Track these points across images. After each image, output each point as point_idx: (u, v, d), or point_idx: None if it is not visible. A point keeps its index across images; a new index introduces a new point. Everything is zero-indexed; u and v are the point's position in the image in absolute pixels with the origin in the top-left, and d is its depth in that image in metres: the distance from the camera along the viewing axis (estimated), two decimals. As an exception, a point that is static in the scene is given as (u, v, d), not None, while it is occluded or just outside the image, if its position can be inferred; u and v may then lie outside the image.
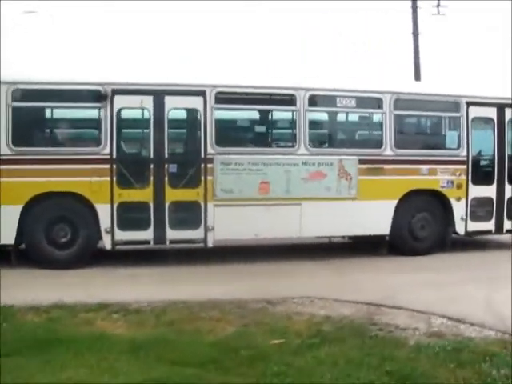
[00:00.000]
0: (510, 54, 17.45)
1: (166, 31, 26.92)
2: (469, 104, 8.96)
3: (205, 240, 7.98)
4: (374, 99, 8.67)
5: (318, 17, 29.37)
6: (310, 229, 8.29)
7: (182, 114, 8.36)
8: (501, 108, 9.14)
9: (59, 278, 7.26)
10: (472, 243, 9.56)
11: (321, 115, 8.93)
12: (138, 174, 7.88)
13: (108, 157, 7.70)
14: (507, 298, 6.02)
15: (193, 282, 7.09)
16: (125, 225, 7.79)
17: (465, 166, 8.95)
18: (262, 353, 4.60)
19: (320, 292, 6.50)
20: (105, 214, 7.69)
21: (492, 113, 9.13)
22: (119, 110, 7.81)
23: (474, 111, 9.01)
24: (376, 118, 8.99)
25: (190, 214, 8.05)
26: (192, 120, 8.25)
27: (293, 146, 8.32)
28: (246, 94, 8.29)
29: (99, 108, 7.74)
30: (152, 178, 7.81)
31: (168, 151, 7.89)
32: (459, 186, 8.91)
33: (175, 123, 8.13)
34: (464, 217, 8.94)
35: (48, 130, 8.31)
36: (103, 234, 7.73)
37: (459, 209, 8.92)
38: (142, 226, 7.83)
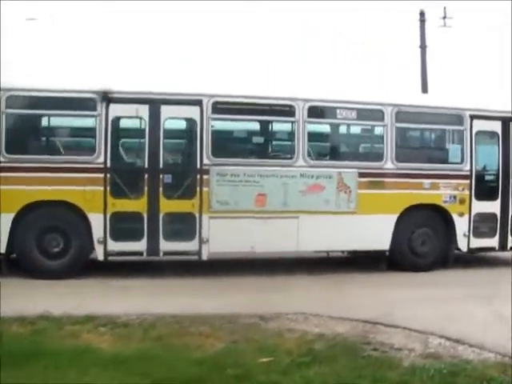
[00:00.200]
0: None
1: (166, 31, 27.02)
2: (472, 117, 8.83)
3: (199, 252, 7.86)
4: (375, 111, 8.56)
5: (317, 17, 29.39)
6: (307, 243, 8.16)
7: (178, 124, 8.28)
8: (505, 121, 9.00)
9: (49, 288, 7.16)
10: (475, 260, 9.38)
11: (320, 127, 8.84)
12: (132, 183, 7.79)
13: (102, 166, 7.63)
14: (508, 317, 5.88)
15: (185, 295, 6.96)
16: (118, 235, 7.70)
17: (468, 181, 8.80)
18: (249, 371, 4.46)
19: (315, 308, 6.35)
20: (98, 223, 7.61)
21: (496, 126, 8.99)
22: (114, 119, 7.74)
23: (478, 124, 8.87)
24: (377, 130, 8.88)
25: (184, 226, 7.94)
26: (188, 130, 8.18)
27: (291, 158, 8.22)
28: (244, 104, 8.21)
29: (94, 116, 7.66)
30: (146, 188, 7.73)
31: (163, 161, 7.81)
32: (462, 201, 8.76)
33: (171, 133, 8.07)
34: (467, 233, 8.78)
35: (41, 138, 8.25)
36: (96, 245, 7.65)
37: (462, 224, 8.76)
38: (136, 236, 7.74)
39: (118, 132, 8.01)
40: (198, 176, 7.81)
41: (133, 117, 7.83)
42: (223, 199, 7.87)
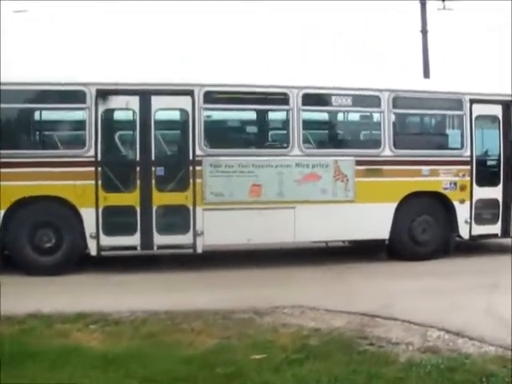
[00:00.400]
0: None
1: (166, 31, 26.92)
2: (472, 101, 8.62)
3: (194, 245, 7.73)
4: (371, 97, 8.35)
5: (318, 17, 29.24)
6: (304, 233, 8.01)
7: (170, 115, 8.13)
8: (506, 105, 8.78)
9: (42, 285, 7.05)
10: (478, 247, 9.21)
11: (315, 114, 8.67)
12: (124, 177, 7.67)
13: (93, 159, 7.49)
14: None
15: (180, 290, 6.85)
16: (110, 230, 7.59)
17: (468, 167, 8.61)
18: (240, 369, 4.34)
19: (313, 301, 6.22)
20: (90, 218, 7.49)
21: (497, 110, 8.77)
22: (104, 111, 7.58)
23: (478, 109, 8.67)
24: (374, 116, 8.71)
25: (178, 219, 7.82)
26: (180, 121, 8.02)
27: (286, 147, 8.05)
28: (236, 93, 8.03)
29: (83, 109, 7.51)
30: (138, 182, 7.60)
31: (155, 153, 7.68)
32: (463, 188, 8.57)
33: (162, 124, 7.92)
34: (468, 220, 8.60)
35: (30, 132, 8.13)
36: (88, 240, 7.53)
37: (463, 211, 8.58)
38: (129, 231, 7.62)
39: (108, 125, 7.86)
40: (191, 167, 7.66)
41: (123, 109, 7.70)
42: (217, 191, 7.73)
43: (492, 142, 8.96)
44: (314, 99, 8.29)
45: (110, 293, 6.81)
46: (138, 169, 7.61)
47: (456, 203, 8.57)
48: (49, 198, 7.46)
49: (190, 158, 7.69)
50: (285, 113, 8.13)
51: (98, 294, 6.71)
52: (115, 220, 7.64)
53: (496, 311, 5.87)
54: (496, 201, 8.80)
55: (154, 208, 7.62)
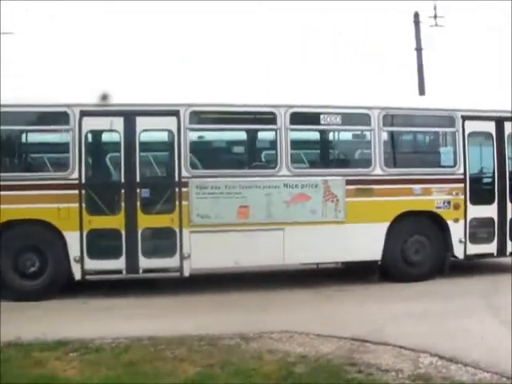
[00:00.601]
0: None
1: (166, 31, 27.02)
2: (464, 118, 8.55)
3: (181, 269, 7.64)
4: (361, 115, 8.30)
5: (318, 17, 29.40)
6: (294, 255, 7.90)
7: (155, 136, 8.11)
8: (499, 122, 8.70)
9: (25, 310, 6.93)
10: (474, 267, 9.07)
11: (304, 134, 8.60)
12: (109, 199, 7.61)
13: (77, 182, 7.44)
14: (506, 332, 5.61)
15: (165, 315, 6.77)
16: (95, 253, 7.51)
17: (462, 185, 8.50)
18: (218, 400, 4.26)
19: (302, 325, 6.11)
20: (74, 242, 7.43)
21: (490, 127, 8.70)
22: (88, 133, 7.56)
23: (471, 126, 8.59)
24: (364, 135, 8.65)
25: (164, 242, 7.75)
26: (165, 142, 7.98)
27: (274, 167, 7.97)
28: (223, 112, 8.00)
29: (67, 131, 7.48)
30: (123, 204, 7.54)
31: (140, 175, 7.61)
32: (456, 207, 8.47)
33: (147, 145, 7.90)
34: (463, 239, 8.48)
35: (14, 154, 8.05)
36: (72, 264, 7.45)
37: (457, 231, 8.46)
38: (114, 254, 7.55)
39: (92, 146, 7.85)
40: (177, 189, 7.59)
41: (107, 130, 7.64)
42: (204, 212, 7.65)
43: (486, 160, 8.87)
44: (303, 118, 8.21)
45: (93, 318, 6.73)
46: (122, 191, 7.56)
47: (450, 222, 8.45)
48: (32, 221, 7.40)
49: (176, 179, 7.62)
50: (272, 132, 8.07)
51: (81, 320, 6.63)
52: (100, 243, 7.58)
53: (492, 335, 5.72)
54: (491, 219, 8.68)
55: (140, 231, 7.54)
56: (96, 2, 20.31)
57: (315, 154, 8.86)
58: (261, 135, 8.68)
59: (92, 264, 7.49)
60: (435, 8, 15.66)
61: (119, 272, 7.58)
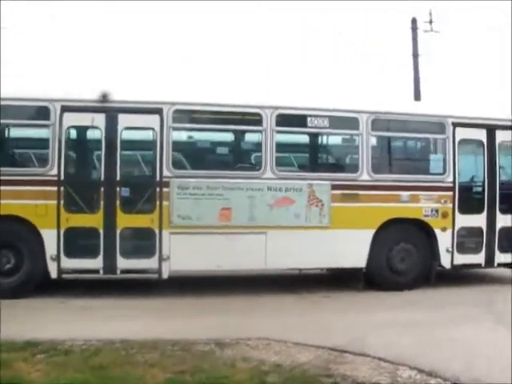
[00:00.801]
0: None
1: (166, 31, 26.95)
2: (455, 125, 8.43)
3: (159, 271, 7.52)
4: (349, 119, 8.17)
5: (318, 17, 29.36)
6: (276, 260, 7.78)
7: (137, 134, 7.96)
8: (491, 129, 8.58)
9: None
10: (461, 277, 8.94)
11: (289, 136, 8.43)
12: (88, 197, 7.50)
13: (55, 178, 7.32)
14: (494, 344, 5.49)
15: (141, 317, 6.63)
16: (72, 252, 7.39)
17: (451, 193, 8.38)
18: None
19: (280, 332, 5.98)
20: (51, 240, 7.31)
21: (481, 135, 8.58)
22: (68, 129, 7.45)
23: (461, 133, 8.47)
24: (351, 139, 8.51)
25: (143, 242, 7.65)
26: (147, 140, 7.81)
27: (258, 170, 7.86)
28: (207, 112, 7.87)
29: (47, 126, 7.37)
30: (103, 202, 7.43)
31: (120, 173, 7.48)
32: (445, 215, 8.34)
33: (129, 143, 7.75)
34: (450, 249, 8.36)
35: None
36: (48, 262, 7.34)
37: (445, 240, 8.34)
38: (91, 253, 7.43)
39: (72, 143, 7.72)
40: (158, 189, 7.48)
41: (88, 126, 7.55)
42: (185, 214, 7.53)
43: (476, 168, 8.74)
44: (289, 120, 8.08)
45: (69, 318, 6.60)
46: (102, 189, 7.45)
47: (437, 231, 8.34)
48: (8, 217, 7.25)
49: (157, 178, 7.51)
50: (258, 134, 7.95)
51: (56, 320, 6.51)
52: (77, 242, 7.46)
53: (475, 348, 5.57)
54: (480, 229, 8.57)
55: (118, 230, 7.43)
56: (96, 2, 20.19)
57: (301, 158, 8.74)
58: (246, 136, 8.55)
59: (69, 263, 7.38)
60: (431, 14, 15.54)
61: (96, 272, 7.46)
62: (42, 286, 7.55)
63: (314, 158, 8.85)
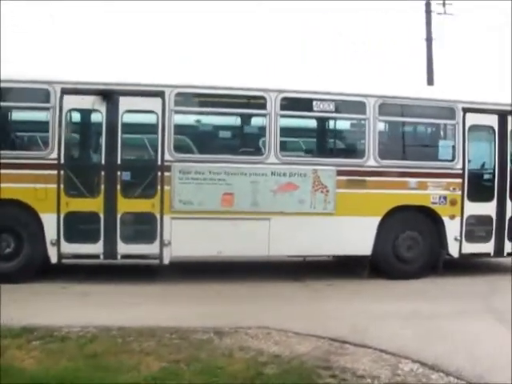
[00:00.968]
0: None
1: (168, 31, 26.88)
2: (466, 110, 8.21)
3: (160, 256, 7.44)
4: (355, 103, 7.99)
5: (318, 17, 29.11)
6: (279, 247, 7.66)
7: (138, 117, 7.80)
8: (502, 115, 8.34)
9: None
10: (470, 266, 8.76)
11: (294, 120, 8.31)
12: (88, 181, 7.41)
13: (55, 162, 7.24)
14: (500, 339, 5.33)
15: (141, 304, 6.55)
16: (72, 237, 7.32)
17: (460, 180, 8.19)
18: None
19: (282, 321, 5.88)
20: (51, 224, 7.24)
21: (492, 120, 8.35)
22: (68, 112, 7.36)
23: (472, 118, 8.25)
24: (358, 124, 8.30)
25: (144, 227, 7.57)
26: (148, 123, 7.68)
27: (261, 154, 7.71)
28: (210, 95, 7.74)
29: (47, 109, 7.27)
30: (103, 187, 7.33)
31: (121, 157, 7.38)
32: (453, 203, 8.15)
33: (130, 127, 7.58)
34: (458, 237, 8.18)
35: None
36: (48, 246, 7.27)
37: (453, 228, 8.16)
38: (92, 238, 7.35)
39: (72, 126, 7.62)
40: (159, 173, 7.38)
41: (89, 109, 7.41)
42: (186, 198, 7.42)
43: (486, 155, 8.52)
44: (294, 104, 7.91)
45: (69, 304, 6.55)
46: (102, 173, 7.35)
47: (445, 219, 8.15)
48: (8, 201, 7.19)
49: (159, 163, 7.41)
50: (261, 117, 7.80)
51: (56, 305, 6.45)
52: (77, 226, 7.38)
53: (481, 342, 5.44)
54: (489, 217, 8.36)
55: (119, 215, 7.35)
56: (96, 2, 20.03)
57: (306, 142, 8.57)
58: (249, 120, 8.36)
59: (69, 248, 7.31)
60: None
61: (97, 257, 7.38)
62: (43, 271, 7.49)
63: (320, 142, 8.66)
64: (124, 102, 7.33)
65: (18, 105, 7.47)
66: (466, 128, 8.24)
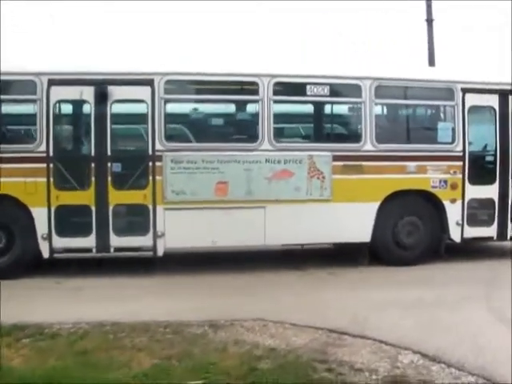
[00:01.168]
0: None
1: (168, 31, 26.66)
2: (465, 91, 8.01)
3: (154, 248, 7.33)
4: (351, 86, 7.80)
5: (317, 17, 28.85)
6: (275, 236, 7.53)
7: (127, 107, 7.71)
8: (504, 95, 8.13)
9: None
10: (472, 251, 8.61)
11: (288, 106, 8.14)
12: (78, 173, 7.28)
13: (44, 155, 7.14)
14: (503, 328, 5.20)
15: (135, 298, 6.45)
16: (64, 231, 7.23)
17: (460, 163, 8.01)
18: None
19: (279, 312, 5.78)
20: (41, 218, 7.15)
21: (493, 101, 8.14)
22: (56, 103, 7.24)
23: (472, 99, 8.05)
24: (354, 108, 8.11)
25: (136, 219, 7.46)
26: (138, 113, 7.56)
27: (255, 141, 7.54)
28: (200, 82, 7.58)
29: (34, 101, 7.15)
30: (94, 179, 7.22)
31: (111, 148, 7.25)
32: (454, 186, 7.98)
33: (119, 117, 7.49)
34: (460, 221, 8.02)
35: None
36: (40, 241, 7.18)
37: (454, 212, 8.00)
38: (83, 232, 7.25)
39: (61, 117, 7.50)
40: (151, 163, 7.25)
41: (77, 100, 7.30)
42: (179, 189, 7.30)
43: (487, 136, 8.31)
44: (287, 88, 7.76)
45: (63, 299, 6.46)
46: (92, 165, 7.23)
47: (446, 203, 7.99)
48: (-3, 196, 7.11)
49: (150, 153, 7.28)
50: (254, 104, 7.62)
51: (49, 301, 6.37)
52: (69, 220, 7.27)
53: (484, 332, 5.28)
54: (491, 200, 8.19)
55: (111, 207, 7.25)
56: (96, 2, 19.82)
57: (300, 128, 8.39)
58: (242, 107, 8.17)
59: (60, 242, 7.22)
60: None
61: (89, 250, 7.29)
62: (35, 266, 7.39)
63: (314, 128, 8.49)
64: (113, 92, 7.19)
65: (4, 97, 7.28)
66: (466, 109, 8.05)
